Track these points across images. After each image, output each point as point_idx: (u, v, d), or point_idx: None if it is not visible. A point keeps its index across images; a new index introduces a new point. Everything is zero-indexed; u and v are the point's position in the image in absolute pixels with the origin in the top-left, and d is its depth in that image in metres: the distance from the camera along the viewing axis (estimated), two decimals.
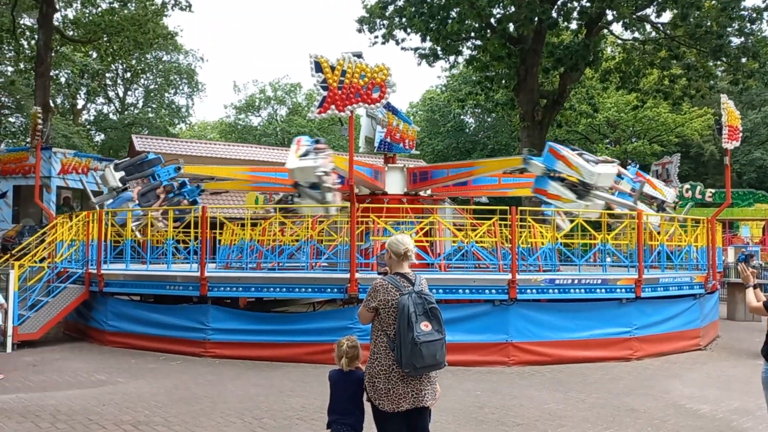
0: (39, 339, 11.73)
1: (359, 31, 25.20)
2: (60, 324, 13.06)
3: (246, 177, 14.51)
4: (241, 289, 11.02)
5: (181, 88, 48.42)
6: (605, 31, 25.69)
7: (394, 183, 14.29)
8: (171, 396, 8.04)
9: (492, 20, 23.18)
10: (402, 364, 4.22)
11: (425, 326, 4.24)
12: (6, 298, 11.10)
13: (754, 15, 22.21)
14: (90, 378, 9.13)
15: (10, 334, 11.15)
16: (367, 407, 4.61)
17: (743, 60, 22.78)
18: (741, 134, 12.98)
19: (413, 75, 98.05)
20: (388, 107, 14.30)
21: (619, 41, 27.45)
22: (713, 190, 32.01)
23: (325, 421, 4.83)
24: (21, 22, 27.71)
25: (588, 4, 22.02)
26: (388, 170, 14.36)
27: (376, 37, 25.04)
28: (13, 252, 13.48)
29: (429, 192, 15.04)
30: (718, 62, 24.54)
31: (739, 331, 14.67)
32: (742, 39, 22.55)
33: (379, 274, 4.66)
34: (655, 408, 7.71)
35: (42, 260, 12.87)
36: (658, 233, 13.14)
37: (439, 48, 24.59)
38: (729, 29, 22.20)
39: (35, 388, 8.45)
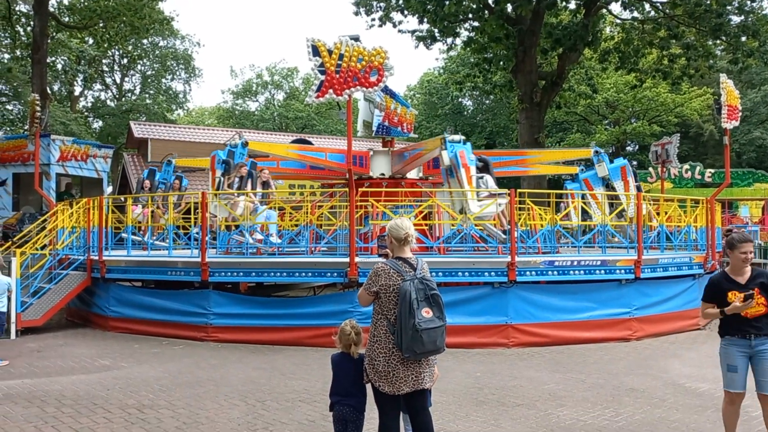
0: (42, 325, 11.83)
1: (356, 13, 25.09)
2: (63, 310, 13.15)
3: (297, 156, 14.40)
4: (241, 274, 11.06)
5: (178, 73, 48.16)
6: (604, 10, 25.51)
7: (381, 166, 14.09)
8: (175, 380, 8.12)
9: (490, 1, 23.03)
10: (402, 349, 4.25)
11: (426, 313, 4.26)
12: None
13: None
14: (94, 363, 9.21)
15: (14, 320, 11.23)
16: (369, 388, 4.66)
17: (743, 39, 22.62)
18: (740, 114, 12.96)
19: (411, 58, 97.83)
20: (386, 91, 14.23)
21: (618, 21, 27.24)
22: (713, 170, 32.07)
23: (327, 403, 4.90)
24: (16, 8, 27.53)
25: None
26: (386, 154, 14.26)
27: (373, 19, 24.94)
28: (14, 239, 13.51)
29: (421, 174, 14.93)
30: (718, 41, 24.39)
31: None
32: (742, 17, 22.40)
33: (379, 256, 4.69)
34: (654, 387, 7.78)
35: (43, 247, 12.91)
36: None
37: (436, 30, 24.45)
38: (729, 7, 22.05)
39: (40, 374, 8.53)
